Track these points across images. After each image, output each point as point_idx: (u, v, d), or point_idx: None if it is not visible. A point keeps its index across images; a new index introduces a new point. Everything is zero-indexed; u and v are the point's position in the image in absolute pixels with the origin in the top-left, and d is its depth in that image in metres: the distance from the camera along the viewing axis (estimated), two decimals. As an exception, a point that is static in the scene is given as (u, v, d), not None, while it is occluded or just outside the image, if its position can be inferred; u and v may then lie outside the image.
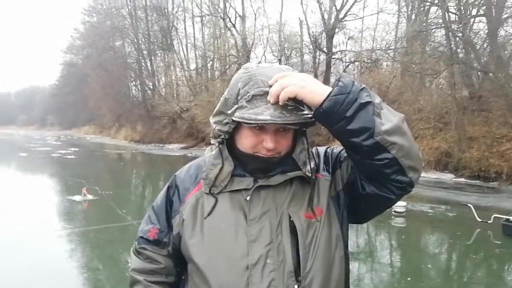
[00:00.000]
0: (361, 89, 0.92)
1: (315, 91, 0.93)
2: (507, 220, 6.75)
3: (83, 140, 42.62)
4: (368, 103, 0.91)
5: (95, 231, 6.79)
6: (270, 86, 0.97)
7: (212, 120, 1.08)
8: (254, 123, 0.94)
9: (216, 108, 1.07)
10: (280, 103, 0.94)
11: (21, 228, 6.71)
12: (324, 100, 0.91)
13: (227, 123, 1.03)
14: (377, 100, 0.93)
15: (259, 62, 1.07)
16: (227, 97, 1.03)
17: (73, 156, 22.13)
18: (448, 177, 13.86)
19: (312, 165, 1.07)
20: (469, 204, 7.67)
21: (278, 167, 1.05)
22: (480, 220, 7.13)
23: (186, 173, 1.17)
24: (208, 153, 1.11)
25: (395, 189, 0.99)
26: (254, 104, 0.96)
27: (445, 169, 14.32)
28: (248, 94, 0.97)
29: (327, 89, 0.93)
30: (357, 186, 1.05)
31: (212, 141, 1.10)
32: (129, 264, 1.21)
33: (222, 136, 1.05)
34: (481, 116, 14.73)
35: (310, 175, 1.06)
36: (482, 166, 13.14)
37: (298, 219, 1.02)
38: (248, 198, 1.04)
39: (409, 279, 5.08)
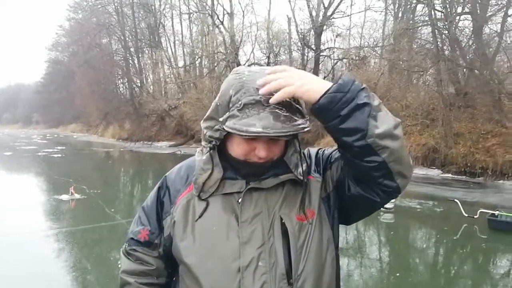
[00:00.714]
0: (361, 89, 0.91)
1: (312, 89, 0.92)
2: (493, 215, 6.88)
3: (70, 138, 42.04)
4: (365, 104, 0.90)
5: (83, 231, 6.72)
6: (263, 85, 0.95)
7: (203, 125, 1.06)
8: (245, 135, 0.93)
9: (208, 113, 1.05)
10: (272, 101, 0.92)
11: (7, 228, 6.59)
12: (321, 97, 0.90)
13: (218, 129, 1.01)
14: (376, 102, 0.92)
15: (250, 64, 1.04)
16: (218, 103, 1.00)
17: (59, 155, 21.82)
18: (435, 172, 14.05)
19: (304, 168, 1.06)
20: (456, 200, 7.79)
21: (270, 170, 1.05)
22: (466, 215, 7.24)
23: (176, 174, 1.16)
24: (199, 156, 1.09)
25: (381, 193, 1.00)
26: (245, 113, 0.94)
27: (432, 165, 14.51)
28: (240, 102, 0.95)
29: (325, 86, 0.92)
30: (344, 187, 1.05)
31: (203, 143, 1.08)
32: (119, 265, 1.19)
33: (213, 142, 1.04)
34: (467, 113, 14.95)
35: (301, 177, 1.05)
36: (468, 161, 13.35)
37: (289, 222, 1.02)
38: (240, 200, 1.03)
39: (397, 274, 5.14)
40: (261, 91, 0.93)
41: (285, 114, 0.93)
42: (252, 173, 1.04)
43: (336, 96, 0.90)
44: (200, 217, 1.04)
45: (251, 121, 0.92)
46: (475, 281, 5.13)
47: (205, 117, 1.06)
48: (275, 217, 1.02)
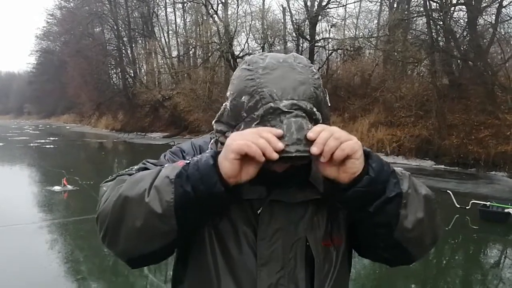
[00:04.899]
0: (390, 174, 0.81)
1: (362, 158, 0.80)
2: (484, 205, 6.95)
3: (62, 129, 41.69)
4: (396, 195, 0.81)
5: (76, 222, 6.68)
6: (279, 99, 0.80)
7: (214, 126, 0.94)
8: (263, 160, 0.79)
9: (218, 115, 0.92)
10: (336, 160, 0.77)
11: (-2, 220, 6.53)
12: (350, 187, 0.79)
13: None
14: (405, 185, 0.82)
15: (265, 55, 0.88)
16: (229, 107, 0.87)
17: (52, 146, 21.63)
18: (428, 164, 14.13)
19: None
20: (448, 191, 7.85)
21: (293, 177, 0.91)
22: (458, 206, 7.30)
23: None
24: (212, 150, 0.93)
25: (391, 263, 0.98)
26: (264, 126, 0.81)
27: (426, 156, 14.59)
28: (256, 114, 0.81)
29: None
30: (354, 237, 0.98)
31: (219, 144, 0.95)
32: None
33: None
34: (460, 104, 15.01)
35: (327, 195, 0.90)
36: (461, 153, 13.44)
37: (315, 247, 0.90)
38: (259, 211, 0.89)
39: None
40: (316, 150, 0.76)
41: (309, 126, 0.79)
42: (273, 177, 0.88)
43: (365, 191, 0.79)
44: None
45: None
46: (466, 271, 5.19)
47: (216, 118, 0.93)
48: (298, 236, 0.90)
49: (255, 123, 0.81)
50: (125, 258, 0.91)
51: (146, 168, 0.95)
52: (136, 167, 0.97)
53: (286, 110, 0.79)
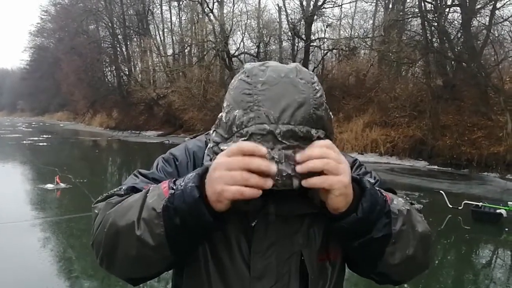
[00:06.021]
0: (383, 215, 0.81)
1: (347, 198, 0.78)
2: (476, 206, 7.00)
3: (56, 126, 41.41)
4: (384, 236, 0.81)
5: (69, 220, 6.64)
6: (275, 122, 0.76)
7: (211, 135, 0.90)
8: None
9: (215, 124, 0.88)
10: (305, 184, 0.76)
11: (-10, 218, 6.48)
12: (340, 217, 0.80)
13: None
14: (398, 224, 0.82)
15: (266, 65, 0.83)
16: (224, 120, 0.83)
17: (45, 143, 21.47)
18: (421, 164, 14.22)
19: None
20: (441, 191, 7.90)
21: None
22: (451, 206, 7.35)
23: (188, 167, 0.96)
24: (208, 157, 0.90)
25: (379, 283, 0.98)
26: None
27: (419, 156, 14.67)
28: (246, 130, 0.77)
29: (349, 201, 0.79)
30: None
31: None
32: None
33: None
34: (454, 105, 15.11)
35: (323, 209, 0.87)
36: (454, 153, 13.54)
37: (310, 263, 0.88)
38: (254, 224, 0.86)
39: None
40: (299, 168, 0.75)
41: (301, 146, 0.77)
42: (269, 189, 0.82)
43: (349, 229, 0.80)
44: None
45: None
46: (458, 271, 5.23)
47: (213, 127, 0.89)
48: (293, 251, 0.88)
49: (243, 139, 0.78)
50: (124, 279, 0.93)
51: (135, 187, 0.94)
52: (124, 186, 0.96)
53: (280, 139, 0.76)
